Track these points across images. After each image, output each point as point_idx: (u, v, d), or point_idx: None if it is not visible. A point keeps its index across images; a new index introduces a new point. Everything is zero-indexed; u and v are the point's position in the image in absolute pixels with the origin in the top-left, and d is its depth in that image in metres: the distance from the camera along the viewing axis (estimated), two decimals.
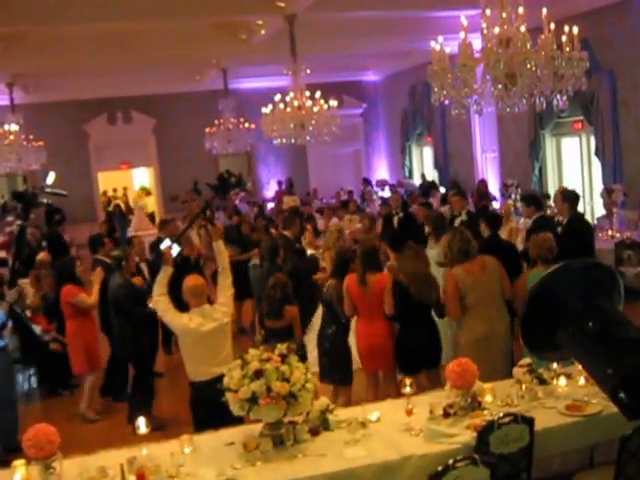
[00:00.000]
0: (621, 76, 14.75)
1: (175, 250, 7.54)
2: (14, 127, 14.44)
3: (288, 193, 23.71)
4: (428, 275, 8.29)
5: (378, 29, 16.83)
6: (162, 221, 13.93)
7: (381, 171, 27.34)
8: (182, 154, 24.40)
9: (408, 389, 5.95)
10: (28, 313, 10.82)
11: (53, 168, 21.11)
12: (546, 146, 17.67)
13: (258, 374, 5.65)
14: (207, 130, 21.19)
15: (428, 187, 21.81)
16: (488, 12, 8.27)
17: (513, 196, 17.26)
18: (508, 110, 8.52)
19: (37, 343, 10.39)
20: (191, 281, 7.15)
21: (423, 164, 25.21)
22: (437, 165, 23.26)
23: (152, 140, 25.22)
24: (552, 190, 16.11)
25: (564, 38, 8.25)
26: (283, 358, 5.76)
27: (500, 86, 8.13)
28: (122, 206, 24.58)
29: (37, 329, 10.52)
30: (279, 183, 25.83)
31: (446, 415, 5.85)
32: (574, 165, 17.31)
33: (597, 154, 15.62)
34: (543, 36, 8.16)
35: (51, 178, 6.79)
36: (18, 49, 16.80)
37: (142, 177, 27.96)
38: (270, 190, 26.09)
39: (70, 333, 9.77)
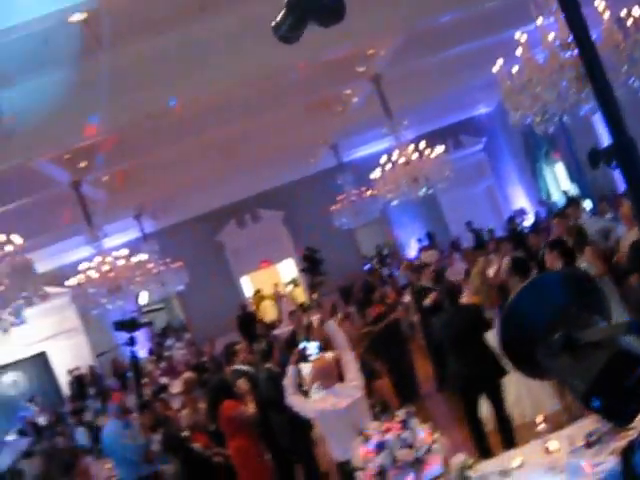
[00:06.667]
0: None
1: (311, 349, 7.64)
2: (142, 256, 15.02)
3: (427, 248, 23.36)
4: None
5: (468, 62, 16.54)
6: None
7: (519, 200, 26.61)
8: (316, 237, 24.38)
9: (542, 426, 5.62)
10: (186, 433, 10.94)
11: (196, 284, 22.06)
12: None
13: (380, 446, 5.50)
14: (332, 208, 21.23)
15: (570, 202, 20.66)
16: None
17: None
18: None
19: (200, 460, 10.44)
20: (318, 363, 7.20)
21: (558, 181, 24.41)
22: (573, 179, 22.50)
23: (284, 232, 25.55)
24: None
25: None
26: (404, 424, 5.59)
27: None
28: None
29: (197, 446, 10.59)
30: (419, 240, 25.55)
31: (588, 445, 5.46)
32: None
33: None
34: None
35: (144, 298, 7.01)
36: (136, 181, 17.61)
37: (289, 270, 28.11)
38: (413, 249, 25.81)
39: (234, 452, 9.54)
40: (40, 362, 23.87)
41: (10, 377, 23.48)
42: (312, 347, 7.84)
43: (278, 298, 25.71)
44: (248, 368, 10.10)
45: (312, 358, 7.63)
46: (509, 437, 8.66)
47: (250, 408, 9.34)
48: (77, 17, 8.96)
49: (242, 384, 9.59)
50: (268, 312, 25.24)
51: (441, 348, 9.92)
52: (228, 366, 10.53)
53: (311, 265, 7.54)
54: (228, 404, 9.43)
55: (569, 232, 11.43)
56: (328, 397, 6.96)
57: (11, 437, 19.51)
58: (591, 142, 20.14)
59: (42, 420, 19.31)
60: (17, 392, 23.25)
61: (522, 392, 9.75)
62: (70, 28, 9.25)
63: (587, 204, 19.99)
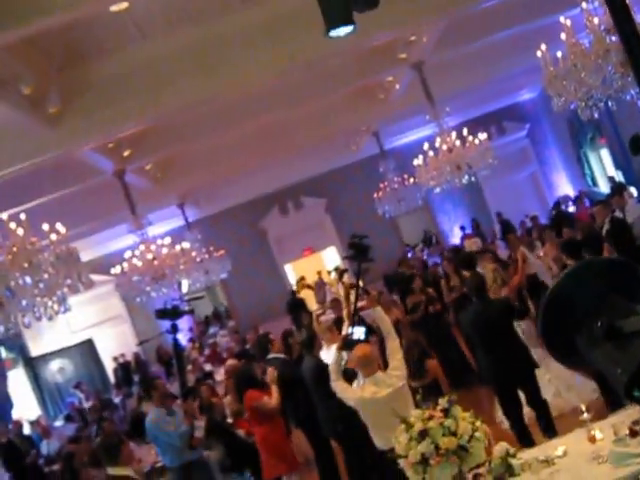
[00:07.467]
0: None
1: (358, 333, 7.59)
2: (185, 245, 15.12)
3: (471, 236, 23.20)
4: None
5: (511, 47, 16.35)
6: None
7: (563, 187, 26.30)
8: (359, 225, 24.14)
9: (585, 415, 5.56)
10: (230, 419, 11.02)
11: (239, 271, 22.15)
12: None
13: (423, 434, 5.47)
14: (375, 195, 21.12)
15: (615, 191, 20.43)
16: None
17: None
18: None
19: (243, 446, 10.49)
20: (359, 351, 7.15)
21: (604, 167, 24.05)
22: (618, 165, 22.16)
23: (327, 220, 25.56)
24: None
25: None
26: (446, 412, 5.55)
27: None
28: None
29: (241, 433, 10.64)
30: (462, 228, 25.38)
31: (633, 434, 5.38)
32: None
33: None
34: None
35: (185, 286, 7.05)
36: (179, 170, 17.77)
37: (332, 258, 28.01)
38: (456, 237, 25.67)
39: (259, 439, 9.61)
40: (86, 349, 24.17)
41: (57, 364, 23.80)
42: (359, 332, 7.72)
43: (318, 287, 25.74)
44: (284, 356, 10.07)
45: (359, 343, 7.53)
46: (548, 424, 8.52)
47: (274, 399, 9.28)
48: (119, 6, 9.01)
49: (270, 373, 9.49)
50: (310, 300, 25.24)
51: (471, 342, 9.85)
52: (264, 356, 10.52)
53: (357, 252, 7.40)
54: (251, 394, 9.43)
55: (582, 231, 11.31)
56: (368, 386, 6.93)
57: (59, 423, 19.84)
58: (638, 127, 19.79)
59: (88, 406, 19.59)
60: (64, 379, 23.57)
61: (561, 389, 9.67)
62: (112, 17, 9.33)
63: (633, 191, 19.68)
